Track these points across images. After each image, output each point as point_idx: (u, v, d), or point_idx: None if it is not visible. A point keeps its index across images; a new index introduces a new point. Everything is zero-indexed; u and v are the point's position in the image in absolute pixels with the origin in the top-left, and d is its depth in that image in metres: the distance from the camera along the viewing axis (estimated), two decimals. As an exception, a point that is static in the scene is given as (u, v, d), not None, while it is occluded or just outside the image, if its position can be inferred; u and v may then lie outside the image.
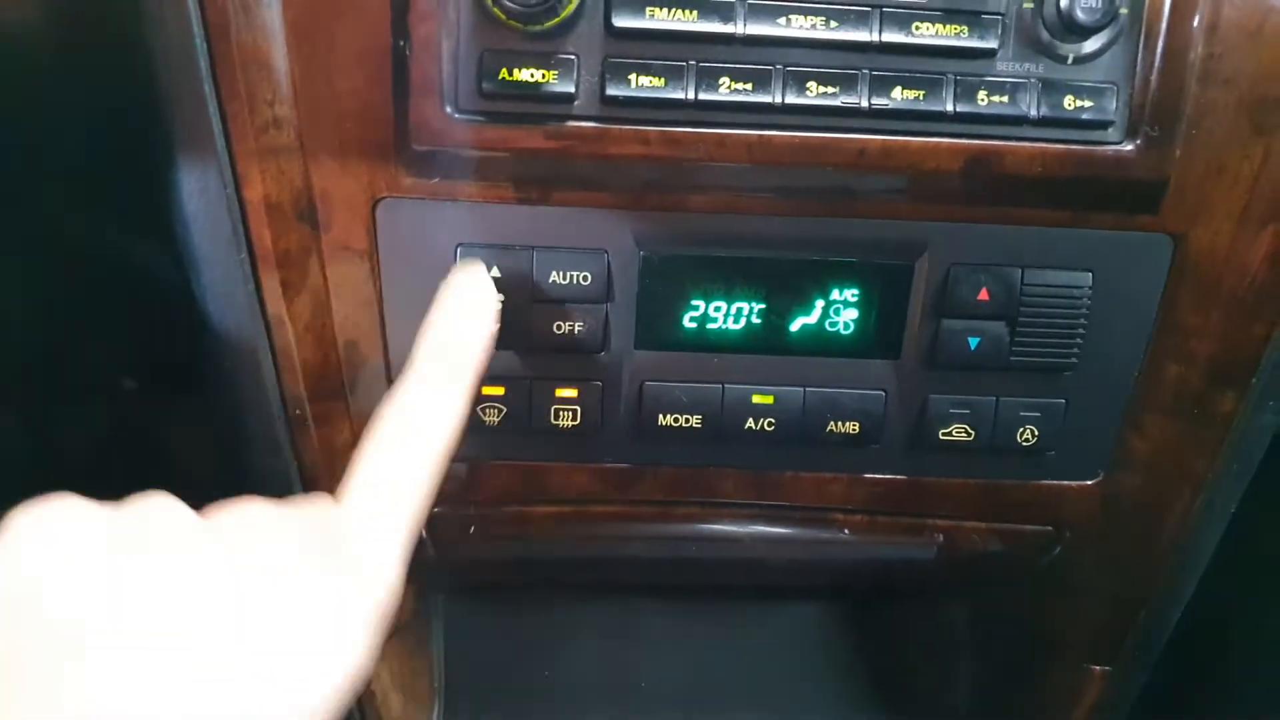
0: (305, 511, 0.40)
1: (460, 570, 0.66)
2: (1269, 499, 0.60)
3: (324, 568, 0.38)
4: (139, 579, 0.33)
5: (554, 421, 0.55)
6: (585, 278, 0.53)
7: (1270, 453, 0.58)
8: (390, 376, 0.54)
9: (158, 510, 0.36)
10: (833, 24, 0.47)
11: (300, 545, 0.38)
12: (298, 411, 0.55)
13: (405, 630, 0.70)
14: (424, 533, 0.61)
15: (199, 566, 0.35)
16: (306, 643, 0.35)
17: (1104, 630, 0.67)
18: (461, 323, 0.45)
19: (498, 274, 0.52)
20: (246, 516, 0.38)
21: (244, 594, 0.35)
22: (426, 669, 0.76)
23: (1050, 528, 0.63)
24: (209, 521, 0.37)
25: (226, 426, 0.56)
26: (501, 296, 0.52)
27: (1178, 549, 0.61)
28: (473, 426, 0.55)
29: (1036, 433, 0.57)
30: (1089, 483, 0.60)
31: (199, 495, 0.44)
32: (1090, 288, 0.54)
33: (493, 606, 0.79)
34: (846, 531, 0.62)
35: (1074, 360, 0.55)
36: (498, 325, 0.46)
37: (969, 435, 0.57)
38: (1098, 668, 0.68)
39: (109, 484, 0.45)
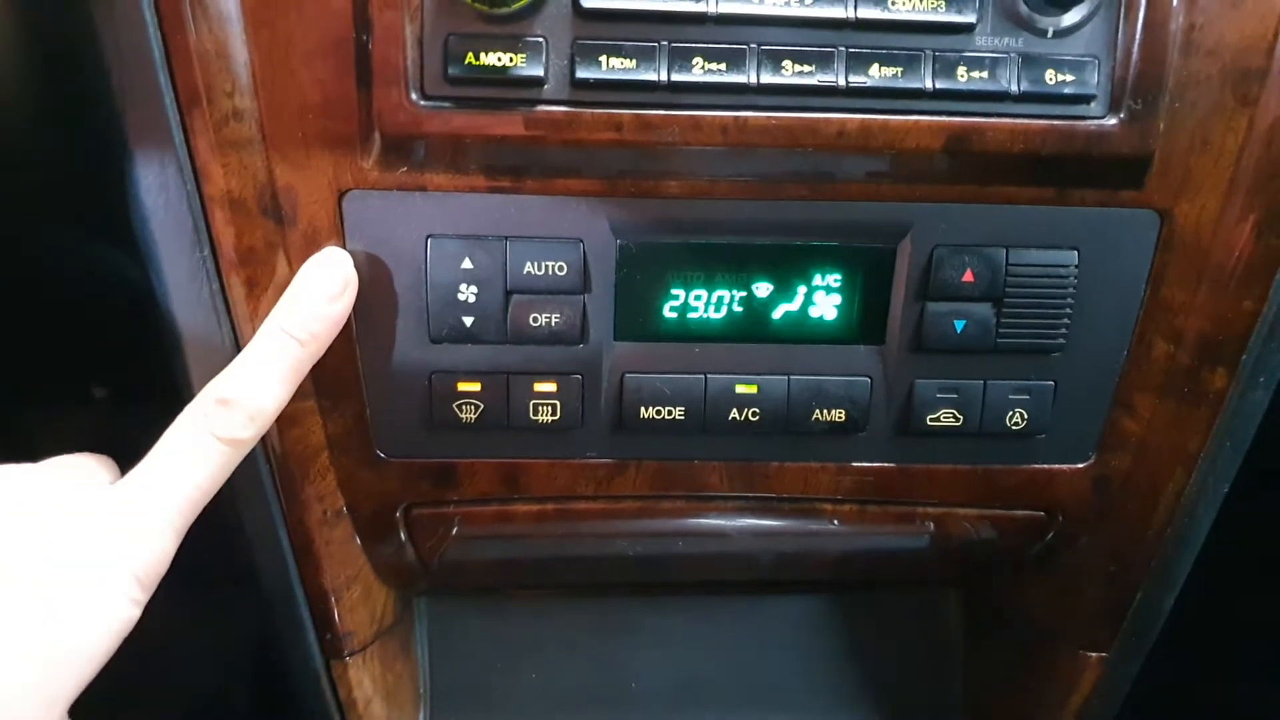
0: (80, 466, 0.45)
1: (442, 572, 0.64)
2: (1262, 477, 0.59)
3: (93, 525, 0.42)
4: None
5: (533, 417, 0.54)
6: (561, 268, 0.51)
7: (1262, 430, 0.57)
8: (362, 374, 0.53)
9: None
10: (807, 1, 0.46)
11: (74, 501, 0.43)
12: None
13: (388, 635, 0.68)
14: (403, 534, 0.60)
15: None
16: (67, 593, 0.40)
17: (1099, 616, 0.66)
18: (293, 303, 0.48)
19: (469, 265, 0.50)
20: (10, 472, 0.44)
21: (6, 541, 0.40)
22: (410, 674, 0.75)
23: (1042, 512, 0.62)
24: None
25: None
26: (475, 288, 0.51)
27: (1172, 530, 0.60)
28: (450, 424, 0.54)
29: (1026, 416, 0.56)
30: (1080, 465, 0.59)
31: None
32: (1076, 266, 0.53)
33: (478, 608, 0.77)
34: (836, 522, 0.61)
35: (1062, 341, 0.54)
36: (342, 304, 0.49)
37: (957, 420, 0.56)
38: (1094, 654, 0.67)
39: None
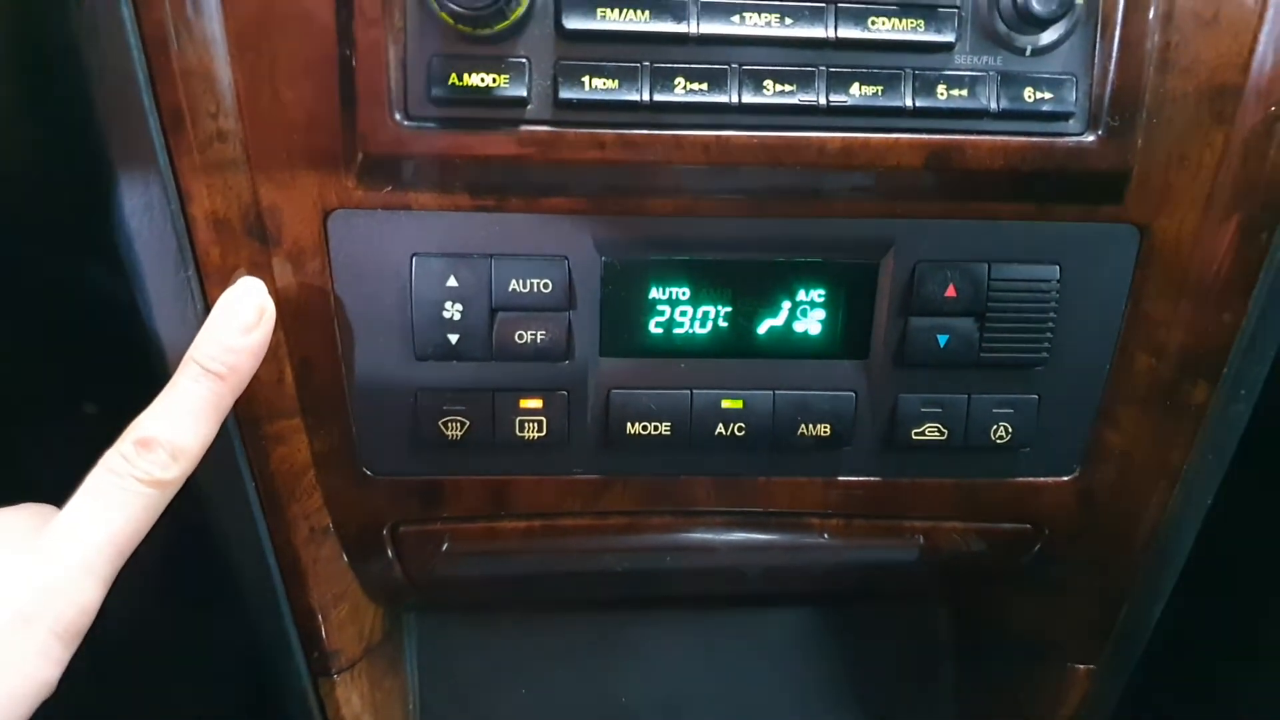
0: (13, 515, 0.44)
1: (431, 588, 0.64)
2: (1244, 489, 0.59)
3: (7, 579, 0.41)
4: None
5: (519, 434, 0.54)
6: (546, 285, 0.52)
7: (1243, 442, 0.58)
8: (347, 392, 0.53)
9: None
10: (788, 21, 0.47)
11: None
12: (254, 432, 0.53)
13: (376, 652, 0.68)
14: (390, 551, 0.60)
15: None
16: None
17: (1087, 628, 0.67)
18: (208, 337, 0.47)
19: (454, 283, 0.51)
20: None
21: None
22: (399, 691, 0.74)
23: (1028, 525, 0.62)
24: None
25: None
26: (460, 306, 0.51)
27: (1156, 542, 0.61)
28: (436, 441, 0.54)
29: (1010, 429, 0.57)
30: (1065, 479, 0.59)
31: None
32: (1058, 281, 0.53)
33: (467, 624, 0.77)
34: (823, 536, 0.61)
35: (1045, 355, 0.55)
36: (258, 334, 0.48)
37: (941, 434, 0.56)
38: (1082, 666, 0.68)
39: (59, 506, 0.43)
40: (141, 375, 0.48)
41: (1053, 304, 0.54)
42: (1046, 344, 0.55)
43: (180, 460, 0.44)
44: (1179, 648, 0.67)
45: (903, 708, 0.80)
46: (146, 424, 0.45)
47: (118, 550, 0.43)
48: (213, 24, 0.46)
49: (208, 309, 0.49)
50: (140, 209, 0.47)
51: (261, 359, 0.48)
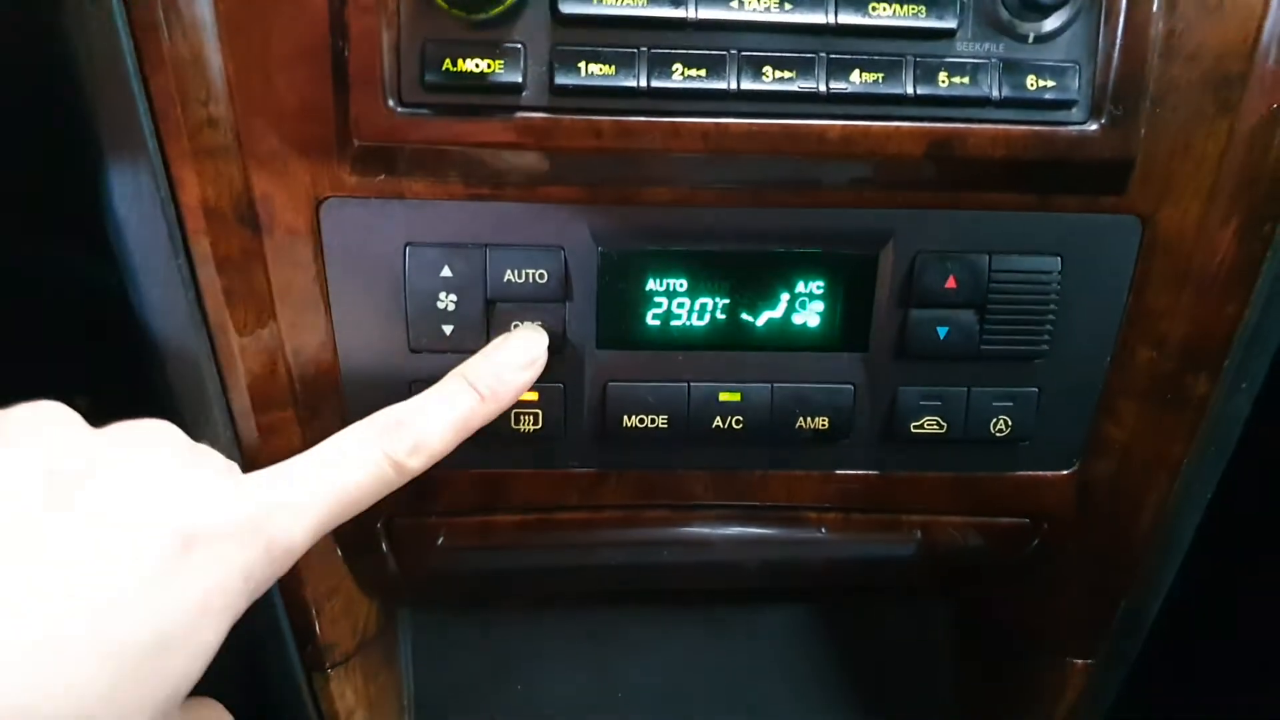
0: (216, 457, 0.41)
1: (425, 582, 0.64)
2: (1245, 483, 0.59)
3: (238, 487, 0.39)
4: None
5: (515, 426, 0.53)
6: (542, 276, 0.51)
7: (1244, 436, 0.57)
8: (341, 383, 0.52)
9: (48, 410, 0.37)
10: (787, 6, 0.46)
11: (195, 468, 0.38)
12: (246, 423, 0.53)
13: (371, 646, 0.67)
14: (384, 545, 0.60)
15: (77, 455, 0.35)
16: (151, 574, 0.33)
17: (1085, 623, 0.66)
18: (485, 358, 0.48)
19: (449, 274, 0.50)
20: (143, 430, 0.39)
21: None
22: (394, 685, 0.74)
23: (1027, 519, 0.62)
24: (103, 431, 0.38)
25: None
26: (455, 297, 0.51)
27: (1156, 537, 0.60)
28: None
29: (1010, 423, 0.56)
30: (1064, 472, 0.59)
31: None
32: (1059, 272, 0.53)
33: (462, 619, 0.76)
34: (822, 530, 0.61)
35: (1045, 347, 0.54)
36: (526, 376, 0.49)
37: (941, 427, 0.56)
38: (1080, 661, 0.67)
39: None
40: (131, 365, 0.48)
41: (1054, 295, 0.53)
42: (1047, 336, 0.54)
43: (419, 454, 0.44)
44: (1178, 643, 0.67)
45: (900, 703, 0.79)
46: (403, 411, 0.45)
47: (338, 506, 0.41)
48: (203, 9, 0.45)
49: (199, 298, 0.48)
50: (130, 197, 0.47)
51: (512, 404, 0.49)
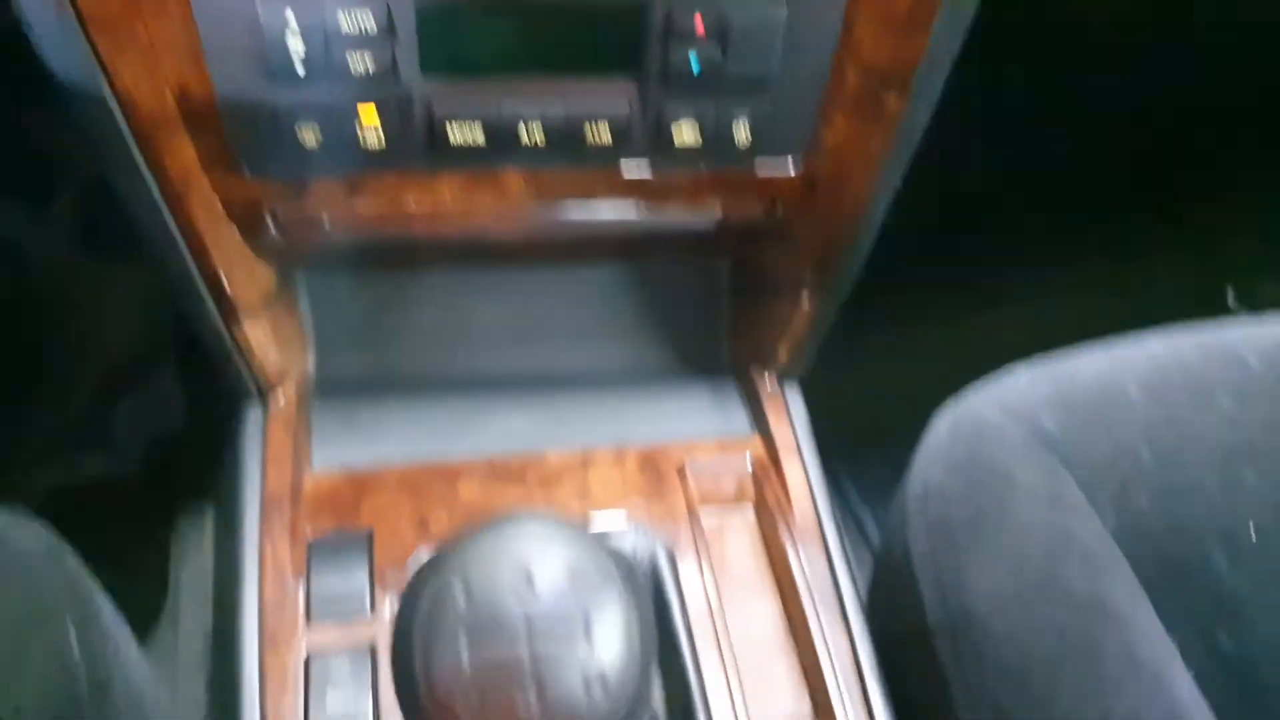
0: None
1: (313, 256, 0.82)
2: (925, 174, 0.80)
3: None
4: None
5: (363, 144, 0.68)
6: (369, 18, 0.63)
7: (924, 138, 0.77)
8: (219, 111, 0.66)
9: None
10: None
11: None
12: (145, 138, 0.66)
13: (274, 299, 0.87)
14: (273, 229, 0.77)
15: None
16: None
17: (815, 268, 0.90)
18: None
19: (294, 24, 0.62)
20: None
21: None
22: (296, 328, 0.95)
23: (771, 199, 0.82)
24: None
25: (80, 147, 0.67)
26: (300, 35, 0.63)
27: (860, 211, 0.81)
28: (296, 150, 0.68)
29: (750, 131, 0.74)
30: (792, 169, 0.78)
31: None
32: (787, 13, 0.67)
33: (347, 277, 0.97)
34: (644, 205, 0.79)
35: (777, 73, 0.70)
36: None
37: (698, 139, 0.73)
38: (810, 294, 0.92)
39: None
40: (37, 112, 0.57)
41: (781, 34, 0.68)
42: (778, 65, 0.70)
43: None
44: (870, 282, 0.92)
45: (693, 330, 1.06)
46: None
47: None
48: None
49: (91, 45, 0.59)
50: None
51: None
